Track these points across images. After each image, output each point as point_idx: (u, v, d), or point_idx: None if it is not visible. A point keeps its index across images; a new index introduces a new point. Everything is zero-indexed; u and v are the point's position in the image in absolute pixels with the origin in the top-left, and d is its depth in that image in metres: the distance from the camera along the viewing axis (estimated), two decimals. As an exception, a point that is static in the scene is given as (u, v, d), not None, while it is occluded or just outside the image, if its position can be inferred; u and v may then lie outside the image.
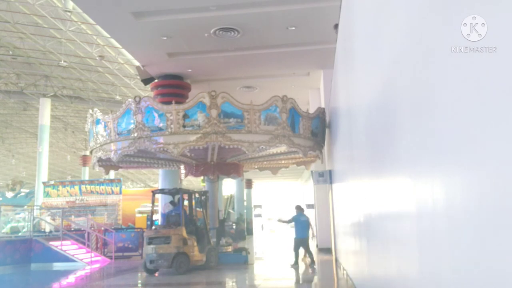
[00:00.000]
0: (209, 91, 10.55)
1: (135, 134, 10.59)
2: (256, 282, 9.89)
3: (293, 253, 11.52)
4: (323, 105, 13.89)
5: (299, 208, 12.22)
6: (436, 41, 1.92)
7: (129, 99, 11.10)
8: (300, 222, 11.71)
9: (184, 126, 10.40)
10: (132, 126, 10.68)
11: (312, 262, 11.41)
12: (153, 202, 11.88)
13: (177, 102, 11.06)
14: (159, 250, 10.29)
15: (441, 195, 1.96)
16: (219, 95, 10.39)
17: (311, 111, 13.07)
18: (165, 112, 10.45)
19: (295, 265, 11.20)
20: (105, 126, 11.41)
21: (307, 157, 12.91)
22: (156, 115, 10.55)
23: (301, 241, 11.57)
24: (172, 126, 10.36)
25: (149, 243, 10.50)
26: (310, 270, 10.98)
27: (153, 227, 11.33)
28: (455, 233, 1.79)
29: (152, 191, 12.22)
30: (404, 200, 2.78)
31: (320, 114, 12.43)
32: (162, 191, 13.29)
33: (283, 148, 12.08)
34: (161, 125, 10.47)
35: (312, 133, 11.81)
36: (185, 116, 10.43)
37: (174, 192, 11.76)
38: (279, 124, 10.85)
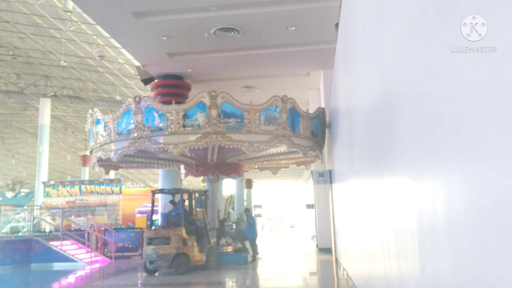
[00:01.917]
0: (209, 91, 10.55)
1: (135, 134, 10.59)
2: (256, 282, 9.89)
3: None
4: (323, 105, 13.88)
5: (248, 211, 14.49)
6: (436, 41, 1.92)
7: (129, 99, 11.10)
8: (250, 224, 13.48)
9: (184, 126, 10.40)
10: (132, 126, 10.68)
11: (254, 259, 12.75)
12: (153, 202, 11.88)
13: (177, 102, 11.07)
14: (158, 251, 10.31)
15: (441, 195, 1.96)
16: (219, 95, 10.38)
17: (311, 111, 13.07)
18: (165, 112, 10.45)
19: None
20: (105, 126, 11.41)
21: (307, 157, 12.94)
22: (156, 115, 10.55)
23: (253, 240, 13.15)
24: (172, 126, 10.36)
25: (149, 244, 10.50)
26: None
27: (153, 228, 11.31)
28: (455, 233, 1.79)
29: (152, 191, 12.22)
30: (404, 200, 2.78)
31: (320, 114, 12.43)
32: (162, 191, 13.29)
33: (283, 148, 12.09)
34: (161, 125, 10.47)
35: (312, 133, 11.81)
36: (185, 116, 10.43)
37: (174, 192, 11.75)
38: (279, 124, 10.85)
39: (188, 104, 10.63)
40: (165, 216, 11.53)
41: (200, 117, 10.37)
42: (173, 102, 10.62)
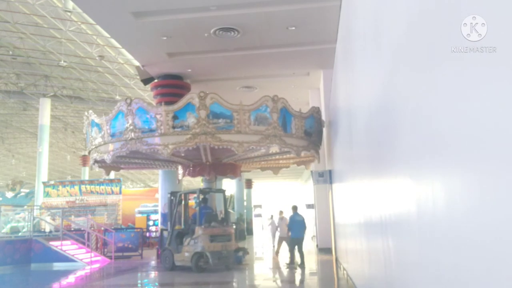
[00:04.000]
0: (198, 92, 10.60)
1: (127, 136, 10.65)
2: (256, 282, 9.87)
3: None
4: (323, 105, 13.88)
5: (295, 208, 12.48)
6: (436, 41, 1.92)
7: (121, 101, 11.17)
8: (295, 222, 11.99)
9: (173, 127, 10.43)
10: (124, 127, 10.76)
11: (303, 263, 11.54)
12: (179, 203, 11.85)
13: (174, 102, 11.12)
14: (227, 247, 10.74)
15: (441, 195, 1.96)
16: (208, 96, 10.41)
17: (309, 111, 13.05)
18: (155, 113, 10.52)
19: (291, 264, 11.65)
20: (99, 128, 11.55)
21: (300, 157, 12.93)
22: (146, 116, 10.62)
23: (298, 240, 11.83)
24: (162, 127, 10.41)
25: (212, 241, 10.54)
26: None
27: (211, 224, 10.97)
28: (456, 233, 1.79)
29: (171, 192, 12.48)
30: (404, 200, 2.78)
31: (315, 114, 12.35)
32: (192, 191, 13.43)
33: (276, 148, 12.02)
34: (151, 126, 10.53)
35: (305, 132, 11.75)
36: (174, 117, 10.46)
37: (206, 192, 12.13)
38: (270, 124, 10.83)
39: (177, 105, 10.65)
40: (204, 214, 11.29)
41: (189, 118, 10.40)
42: (163, 103, 10.69)
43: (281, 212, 15.65)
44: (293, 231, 11.71)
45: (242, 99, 11.16)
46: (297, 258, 11.70)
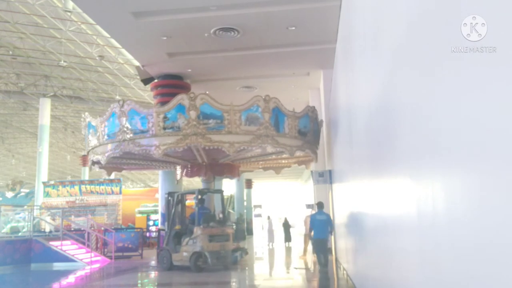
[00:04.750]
0: (188, 92, 10.63)
1: (120, 137, 10.70)
2: (256, 282, 9.87)
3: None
4: (323, 105, 13.86)
5: (320, 205, 10.67)
6: (436, 41, 1.92)
7: (114, 103, 11.24)
8: (318, 221, 10.19)
9: (164, 128, 10.45)
10: (117, 129, 10.81)
11: (325, 264, 10.24)
12: (177, 204, 11.74)
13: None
14: (225, 247, 10.78)
15: (441, 195, 1.96)
16: (198, 97, 10.43)
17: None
18: (146, 114, 10.56)
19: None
20: (95, 130, 11.62)
21: (294, 157, 12.91)
22: (138, 117, 10.66)
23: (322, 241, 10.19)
24: (153, 128, 10.44)
25: (211, 241, 10.55)
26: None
27: (210, 225, 10.92)
28: (456, 232, 1.79)
29: (168, 193, 12.39)
30: (404, 200, 2.78)
31: (310, 113, 12.29)
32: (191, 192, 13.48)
33: (270, 147, 11.95)
34: (143, 127, 10.57)
35: (299, 132, 11.70)
36: (165, 118, 10.48)
37: (204, 192, 12.12)
38: (261, 124, 10.81)
39: (168, 106, 10.67)
40: (201, 215, 11.19)
41: (180, 119, 10.42)
42: (154, 104, 10.73)
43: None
44: (314, 231, 10.12)
45: (242, 99, 11.16)
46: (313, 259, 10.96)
